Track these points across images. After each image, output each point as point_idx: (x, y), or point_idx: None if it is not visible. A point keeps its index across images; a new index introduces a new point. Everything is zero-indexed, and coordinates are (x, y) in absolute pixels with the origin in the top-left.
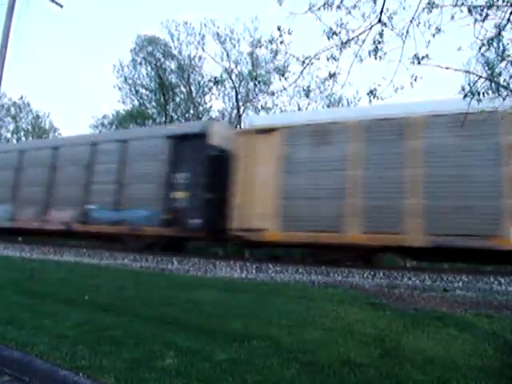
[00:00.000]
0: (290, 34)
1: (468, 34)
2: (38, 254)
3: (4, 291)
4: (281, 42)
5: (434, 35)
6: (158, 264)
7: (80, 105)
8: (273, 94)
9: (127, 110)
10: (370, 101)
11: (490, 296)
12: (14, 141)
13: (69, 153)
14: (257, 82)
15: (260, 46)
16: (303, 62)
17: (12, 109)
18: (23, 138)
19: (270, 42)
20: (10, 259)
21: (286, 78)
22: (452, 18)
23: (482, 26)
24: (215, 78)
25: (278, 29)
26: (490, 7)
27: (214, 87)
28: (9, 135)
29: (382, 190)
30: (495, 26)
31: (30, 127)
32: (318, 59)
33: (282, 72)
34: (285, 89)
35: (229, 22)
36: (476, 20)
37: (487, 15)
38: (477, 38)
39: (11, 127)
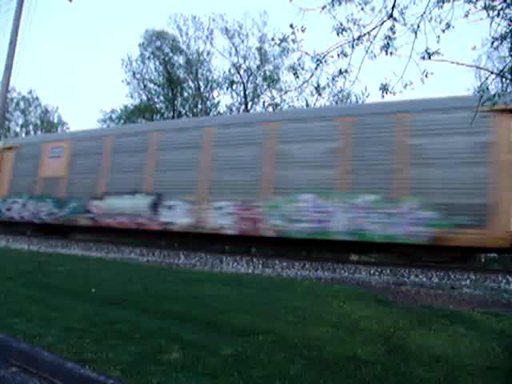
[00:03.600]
0: (303, 31)
1: (478, 30)
2: (45, 247)
3: (13, 284)
4: (293, 41)
5: (443, 30)
6: (165, 258)
7: (88, 99)
8: (285, 92)
9: (135, 104)
10: (383, 96)
11: (498, 294)
12: (23, 135)
13: None
14: (269, 82)
15: (273, 45)
16: (317, 60)
17: (21, 103)
18: (32, 132)
19: (281, 40)
20: (18, 252)
21: (297, 77)
22: (466, 15)
23: (498, 24)
24: (231, 81)
25: (291, 26)
26: (508, 6)
27: (226, 87)
28: (18, 129)
29: None
30: (508, 20)
31: (38, 121)
32: (332, 57)
33: (294, 71)
34: (299, 87)
35: (237, 17)
36: (492, 17)
37: (504, 11)
38: (492, 36)
39: (20, 121)
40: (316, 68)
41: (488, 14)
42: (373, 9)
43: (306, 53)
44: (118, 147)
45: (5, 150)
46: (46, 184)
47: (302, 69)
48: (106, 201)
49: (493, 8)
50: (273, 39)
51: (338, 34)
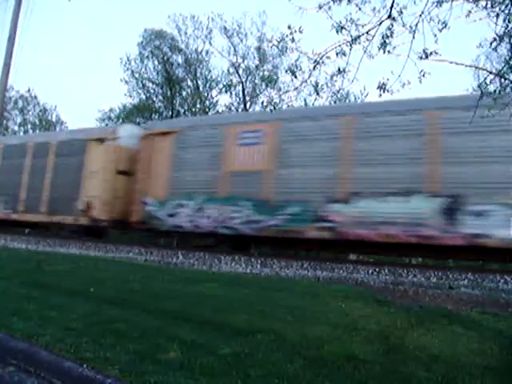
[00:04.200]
0: (301, 32)
1: (477, 30)
2: (44, 246)
3: (11, 283)
4: (291, 40)
5: (440, 30)
6: (163, 257)
7: (87, 98)
8: (284, 92)
9: (134, 103)
10: (381, 95)
11: (496, 294)
12: (21, 133)
13: None
14: (267, 82)
15: (271, 46)
16: (315, 61)
17: (19, 101)
18: (30, 131)
19: (280, 41)
20: (17, 251)
21: (295, 77)
22: (468, 15)
23: (499, 25)
24: (227, 84)
25: (289, 27)
26: (508, 5)
27: (227, 89)
28: (16, 128)
29: None
30: (506, 20)
31: (37, 120)
32: (329, 58)
33: (292, 72)
34: (296, 88)
35: (236, 16)
36: (495, 16)
37: (510, 11)
38: (497, 34)
39: (18, 120)
40: (314, 68)
41: (488, 14)
42: (373, 9)
43: (304, 53)
44: (368, 129)
45: (155, 136)
46: (237, 181)
47: (300, 70)
48: (355, 205)
49: (500, 4)
50: (270, 41)
51: (337, 32)
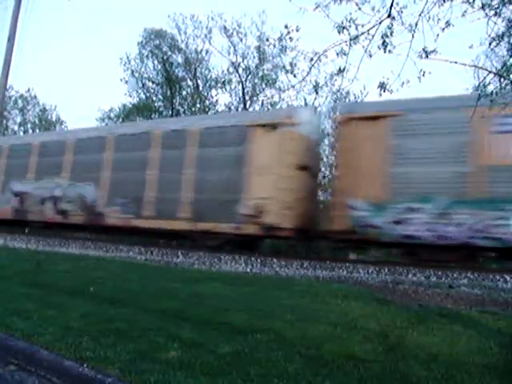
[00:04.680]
0: (297, 31)
1: (477, 29)
2: (43, 245)
3: (11, 282)
4: (290, 39)
5: (443, 29)
6: (163, 257)
7: (87, 98)
8: (282, 90)
9: (134, 103)
10: (381, 94)
11: (496, 293)
12: (21, 133)
13: None
14: (265, 81)
15: (269, 45)
16: (311, 60)
17: (19, 101)
18: (30, 131)
19: (278, 40)
20: (16, 251)
21: (295, 76)
22: (463, 14)
23: (495, 23)
24: (224, 81)
25: (285, 27)
26: (504, 4)
27: (222, 86)
28: (16, 128)
29: None
30: (506, 19)
31: (36, 120)
32: (326, 57)
33: (290, 70)
34: (293, 86)
35: (236, 16)
36: (488, 16)
37: (500, 11)
38: (489, 35)
39: (18, 119)
40: (311, 68)
41: (486, 14)
42: (373, 8)
43: (302, 52)
44: None
45: (358, 122)
46: (498, 178)
47: (297, 66)
48: None
49: (490, 7)
50: (267, 40)
51: (339, 33)
